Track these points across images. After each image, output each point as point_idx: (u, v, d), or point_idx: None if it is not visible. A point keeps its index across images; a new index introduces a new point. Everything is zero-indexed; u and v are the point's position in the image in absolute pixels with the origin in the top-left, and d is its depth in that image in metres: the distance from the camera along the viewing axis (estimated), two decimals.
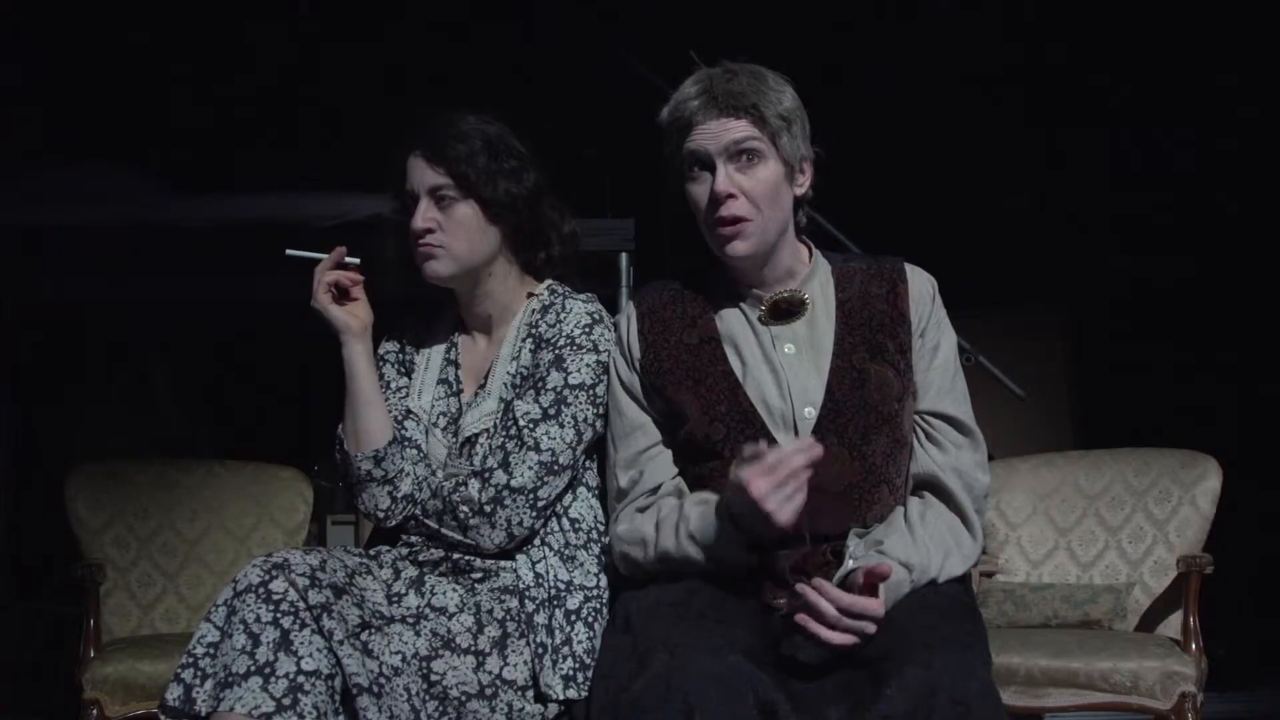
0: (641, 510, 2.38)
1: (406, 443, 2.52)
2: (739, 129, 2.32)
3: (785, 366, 2.37)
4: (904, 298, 2.42)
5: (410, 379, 2.59)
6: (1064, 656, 2.97)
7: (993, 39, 4.79)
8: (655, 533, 2.33)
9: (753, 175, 2.34)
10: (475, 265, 2.51)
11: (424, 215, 2.47)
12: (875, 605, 2.11)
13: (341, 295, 2.50)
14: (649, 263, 3.51)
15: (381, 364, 2.59)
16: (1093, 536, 3.34)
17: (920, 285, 2.45)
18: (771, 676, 2.08)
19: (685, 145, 2.35)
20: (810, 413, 2.34)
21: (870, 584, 2.12)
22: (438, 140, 2.47)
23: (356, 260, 2.50)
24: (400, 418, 2.54)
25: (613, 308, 2.60)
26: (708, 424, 2.36)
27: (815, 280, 2.45)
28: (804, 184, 2.41)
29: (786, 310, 2.42)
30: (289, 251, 2.49)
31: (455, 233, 2.47)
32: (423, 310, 2.63)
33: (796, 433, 2.33)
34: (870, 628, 2.11)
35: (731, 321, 2.43)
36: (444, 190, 2.47)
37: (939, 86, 4.80)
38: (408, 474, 2.49)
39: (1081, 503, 3.37)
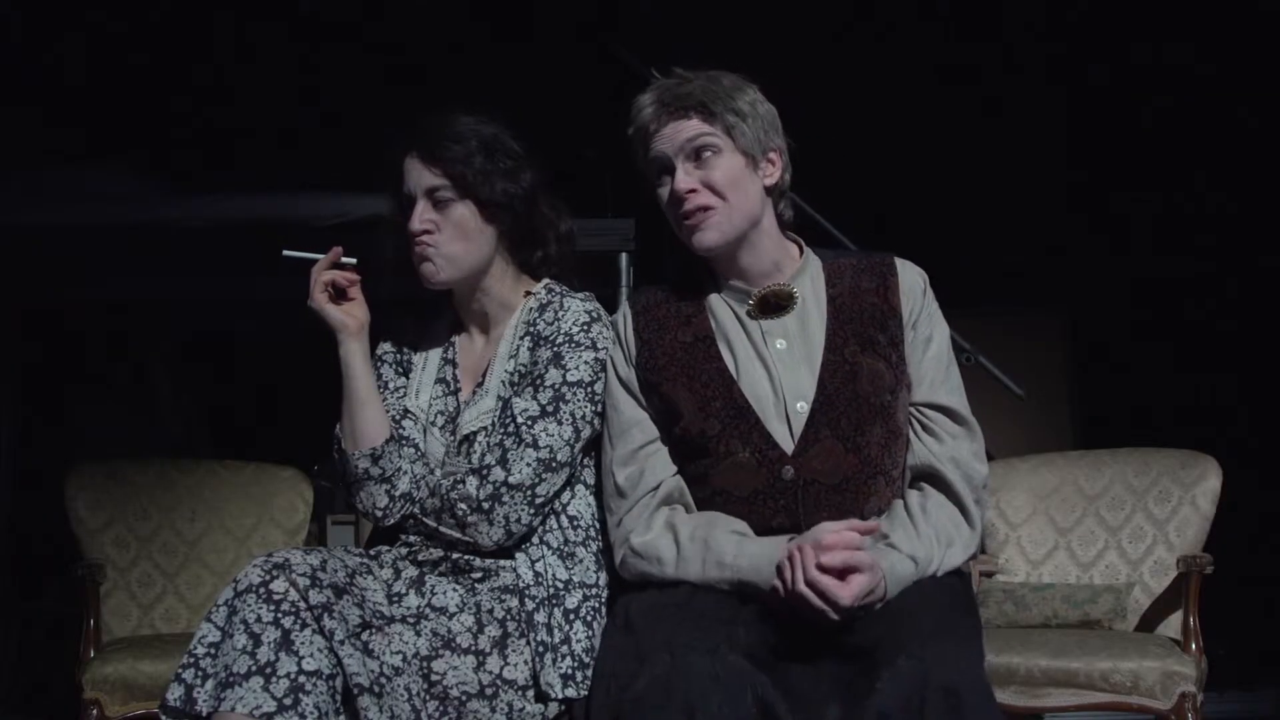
0: (650, 513, 2.38)
1: (404, 442, 2.52)
2: (690, 128, 2.37)
3: (777, 362, 2.38)
4: (894, 291, 2.43)
5: (408, 378, 2.59)
6: (1064, 656, 2.97)
7: (992, 38, 4.79)
8: (675, 555, 2.32)
9: (711, 168, 2.37)
10: (472, 266, 2.50)
11: (421, 216, 2.47)
12: (842, 591, 2.13)
13: (338, 295, 2.50)
14: (649, 263, 3.51)
15: (379, 364, 2.59)
16: (1093, 536, 3.34)
17: (911, 278, 2.46)
18: (771, 677, 2.09)
19: (648, 155, 2.41)
20: (803, 406, 2.35)
21: (844, 571, 2.14)
22: (434, 141, 2.47)
23: (353, 260, 2.50)
24: (398, 417, 2.54)
25: (612, 307, 2.60)
26: (703, 420, 2.36)
27: (806, 276, 2.46)
28: (774, 174, 2.43)
29: (775, 304, 2.42)
30: (286, 252, 2.49)
31: (452, 233, 2.47)
32: (420, 310, 2.63)
33: (790, 426, 2.34)
34: (831, 614, 2.13)
35: (723, 318, 2.44)
36: (441, 191, 2.47)
37: (940, 86, 4.79)
38: (405, 472, 2.48)
39: (1081, 503, 3.37)
